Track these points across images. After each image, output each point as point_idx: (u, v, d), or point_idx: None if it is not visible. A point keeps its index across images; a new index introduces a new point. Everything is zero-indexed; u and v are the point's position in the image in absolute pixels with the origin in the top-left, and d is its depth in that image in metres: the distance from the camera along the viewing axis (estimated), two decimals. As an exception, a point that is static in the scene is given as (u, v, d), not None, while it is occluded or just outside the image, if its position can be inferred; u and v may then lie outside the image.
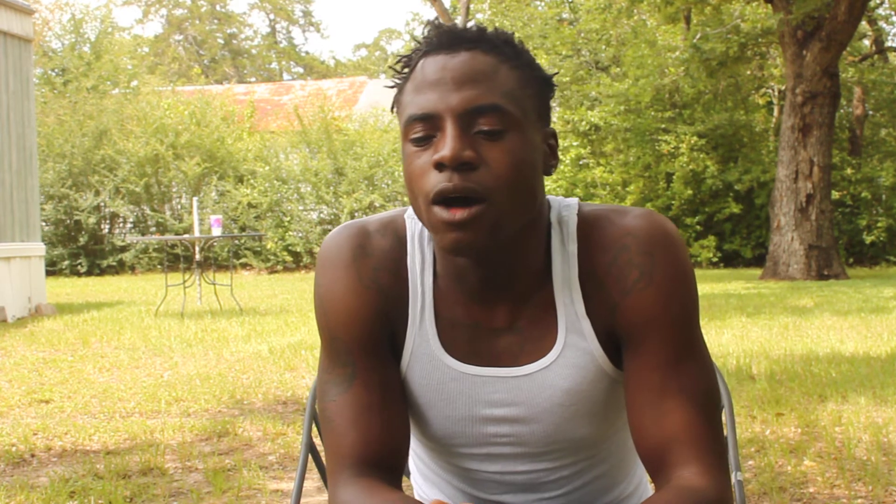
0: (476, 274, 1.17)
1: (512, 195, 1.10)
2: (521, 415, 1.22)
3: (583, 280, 1.19)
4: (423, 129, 1.11)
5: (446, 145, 1.08)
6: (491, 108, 1.10)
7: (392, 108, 1.20)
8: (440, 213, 1.09)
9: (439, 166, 1.08)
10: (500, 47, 1.13)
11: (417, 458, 1.39)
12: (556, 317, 1.19)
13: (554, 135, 1.19)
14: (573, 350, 1.19)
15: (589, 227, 1.20)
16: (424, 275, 1.22)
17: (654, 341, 1.15)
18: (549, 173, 1.17)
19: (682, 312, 1.16)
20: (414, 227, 1.24)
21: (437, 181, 1.08)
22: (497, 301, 1.19)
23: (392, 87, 1.19)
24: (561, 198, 1.24)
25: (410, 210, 1.25)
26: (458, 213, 1.07)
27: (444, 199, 1.08)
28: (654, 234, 1.17)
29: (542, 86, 1.16)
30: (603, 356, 1.19)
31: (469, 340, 1.21)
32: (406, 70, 1.16)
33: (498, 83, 1.11)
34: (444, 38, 1.13)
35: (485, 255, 1.14)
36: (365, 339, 1.20)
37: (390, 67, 1.19)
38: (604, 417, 1.24)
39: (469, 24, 1.15)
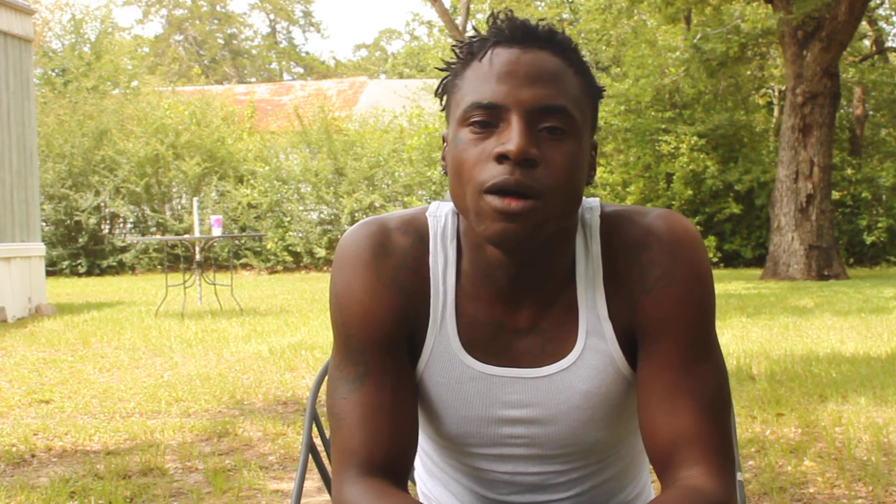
0: (506, 273, 1.17)
1: (564, 197, 1.11)
2: (538, 416, 1.21)
3: (605, 281, 1.19)
4: (486, 117, 1.10)
5: (512, 139, 1.07)
6: (559, 109, 1.10)
7: (438, 90, 1.18)
8: (494, 201, 1.08)
9: (501, 158, 1.08)
10: (568, 52, 1.14)
11: (424, 454, 1.38)
12: (578, 319, 1.19)
13: (595, 146, 1.19)
14: (593, 352, 1.19)
15: (611, 227, 1.20)
16: (447, 273, 1.21)
17: (670, 340, 1.16)
18: (589, 182, 1.17)
19: (699, 312, 1.17)
20: (436, 225, 1.23)
21: (496, 173, 1.08)
22: (522, 301, 1.19)
23: (445, 69, 1.18)
24: (583, 198, 1.24)
25: (432, 208, 1.25)
26: (514, 204, 1.07)
27: (500, 190, 1.08)
28: (676, 233, 1.17)
29: (596, 97, 1.17)
30: (622, 359, 1.20)
31: (490, 340, 1.20)
32: (467, 55, 1.15)
33: (566, 87, 1.11)
34: (517, 32, 1.12)
35: (522, 251, 1.14)
36: (380, 339, 1.19)
37: (452, 49, 1.18)
38: (618, 421, 1.24)
39: (540, 22, 1.15)
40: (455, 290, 1.21)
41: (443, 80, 1.18)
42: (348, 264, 1.21)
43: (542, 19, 1.16)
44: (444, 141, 1.20)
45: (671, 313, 1.16)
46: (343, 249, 1.22)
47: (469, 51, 1.15)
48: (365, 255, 1.20)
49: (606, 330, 1.19)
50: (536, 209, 1.08)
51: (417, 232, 1.22)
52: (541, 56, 1.11)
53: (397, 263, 1.20)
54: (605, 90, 1.20)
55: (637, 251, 1.18)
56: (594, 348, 1.19)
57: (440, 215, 1.24)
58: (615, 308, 1.19)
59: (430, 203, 1.28)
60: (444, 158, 1.19)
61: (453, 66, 1.16)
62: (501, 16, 1.15)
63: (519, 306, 1.19)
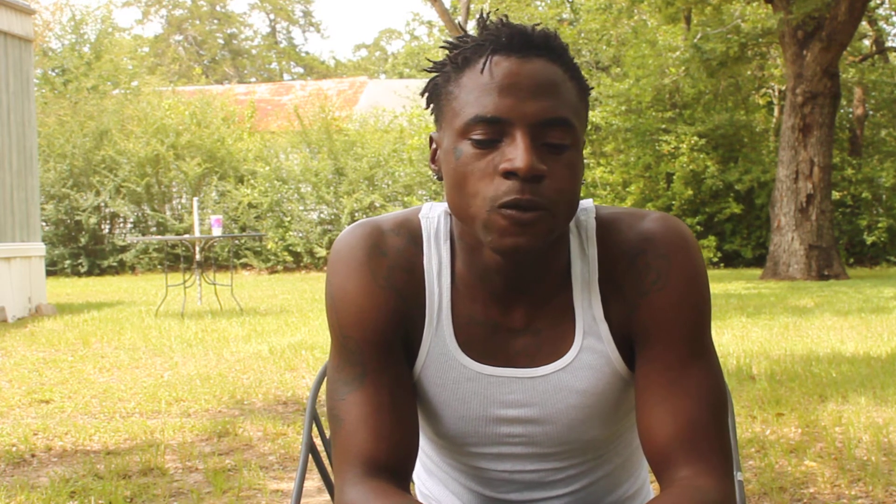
0: (502, 275, 1.17)
1: (568, 207, 1.12)
2: (535, 416, 1.22)
3: (601, 283, 1.20)
4: (489, 132, 1.09)
5: (519, 156, 1.07)
6: (562, 121, 1.10)
7: (426, 92, 1.17)
8: (505, 216, 1.08)
9: (508, 175, 1.08)
10: (563, 57, 1.13)
11: (423, 454, 1.39)
12: (574, 319, 1.20)
13: (584, 143, 1.20)
14: (590, 353, 1.20)
15: (607, 230, 1.21)
16: (441, 274, 1.22)
17: (667, 342, 1.17)
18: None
19: (695, 314, 1.18)
20: (429, 226, 1.23)
21: (505, 189, 1.08)
22: (516, 302, 1.20)
23: (433, 70, 1.16)
24: None
25: (424, 209, 1.25)
26: (526, 216, 1.08)
27: (515, 206, 1.08)
28: (671, 237, 1.18)
29: (587, 95, 1.17)
30: (619, 359, 1.21)
31: (485, 340, 1.21)
32: (462, 61, 1.13)
33: (566, 96, 1.11)
34: (515, 41, 1.11)
35: (524, 258, 1.15)
36: (377, 339, 1.19)
37: (441, 47, 1.16)
38: (615, 418, 1.25)
39: (534, 27, 1.13)
40: (450, 291, 1.21)
41: (431, 80, 1.17)
42: (343, 266, 1.21)
43: (537, 24, 1.15)
44: (431, 142, 1.19)
45: (667, 316, 1.17)
46: (338, 252, 1.22)
47: (463, 56, 1.13)
48: (360, 256, 1.20)
49: (603, 330, 1.20)
50: (545, 219, 1.09)
51: (411, 233, 1.23)
52: (540, 65, 1.10)
53: (392, 264, 1.21)
54: (592, 87, 1.19)
55: (633, 255, 1.19)
56: (591, 348, 1.20)
57: (433, 216, 1.24)
58: (611, 310, 1.20)
59: (424, 204, 1.28)
60: (433, 161, 1.19)
61: (445, 70, 1.15)
62: (494, 19, 1.14)
63: (514, 307, 1.20)
